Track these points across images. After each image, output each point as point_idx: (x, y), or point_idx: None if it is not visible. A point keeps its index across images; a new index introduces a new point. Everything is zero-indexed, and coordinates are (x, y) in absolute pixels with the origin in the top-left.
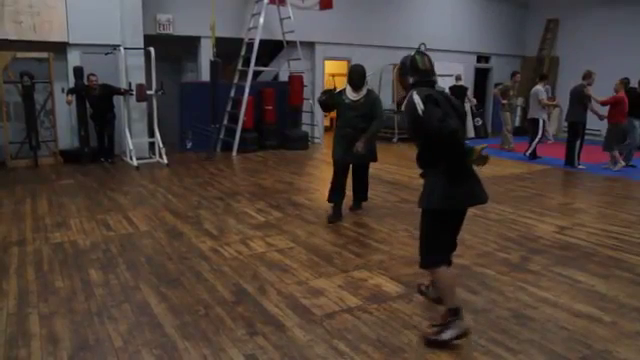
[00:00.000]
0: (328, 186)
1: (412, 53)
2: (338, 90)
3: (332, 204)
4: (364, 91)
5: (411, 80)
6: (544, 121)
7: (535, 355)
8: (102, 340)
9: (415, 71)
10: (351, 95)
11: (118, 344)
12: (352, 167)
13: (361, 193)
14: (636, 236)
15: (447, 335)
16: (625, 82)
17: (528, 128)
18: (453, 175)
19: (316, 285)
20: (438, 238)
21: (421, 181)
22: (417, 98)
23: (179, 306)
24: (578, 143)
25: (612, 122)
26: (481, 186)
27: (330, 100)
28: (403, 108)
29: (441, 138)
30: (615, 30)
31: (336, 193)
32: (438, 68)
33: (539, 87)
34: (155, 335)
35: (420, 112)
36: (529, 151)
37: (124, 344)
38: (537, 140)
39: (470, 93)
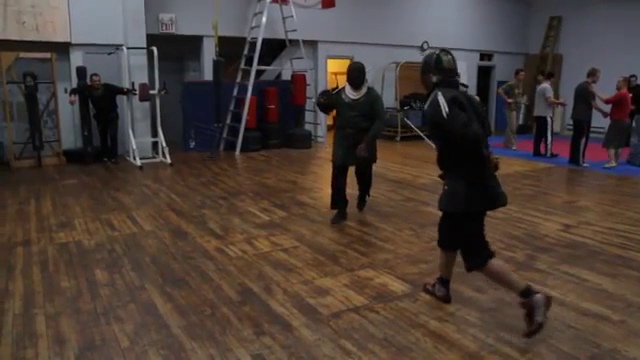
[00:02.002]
0: (330, 185)
1: (436, 51)
2: (337, 89)
3: (336, 210)
4: (364, 89)
5: (434, 79)
6: (551, 119)
7: (543, 354)
8: (108, 340)
9: (439, 70)
10: (351, 94)
11: (125, 344)
12: (355, 169)
13: (364, 192)
14: None
15: (539, 317)
16: (632, 79)
17: (533, 126)
18: (474, 178)
19: (322, 284)
20: (475, 237)
21: (424, 180)
22: (442, 100)
23: (185, 306)
24: (583, 141)
25: (614, 119)
26: (500, 189)
27: (329, 101)
28: (426, 107)
29: (464, 142)
30: (618, 27)
31: (338, 200)
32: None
33: (546, 85)
34: (161, 335)
35: (444, 115)
36: (548, 153)
37: (131, 344)
38: (551, 139)
39: (471, 91)
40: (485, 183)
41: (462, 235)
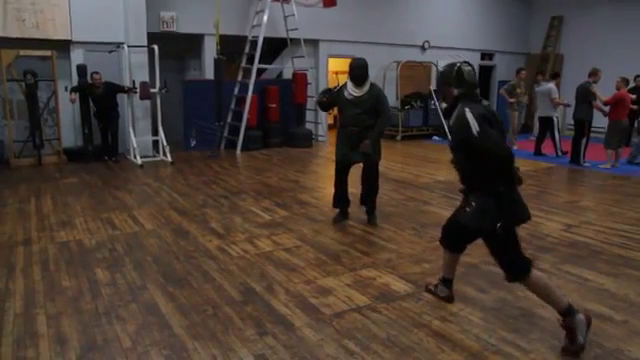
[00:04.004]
0: (333, 184)
1: (457, 62)
2: (338, 87)
3: (338, 209)
4: (367, 86)
5: (456, 92)
6: (557, 119)
7: (547, 354)
8: (110, 340)
9: (461, 83)
10: (353, 91)
11: (126, 344)
12: (362, 169)
13: (370, 201)
14: None
15: (581, 338)
16: (638, 80)
17: (532, 125)
18: (503, 195)
19: (324, 284)
20: (511, 250)
21: (425, 180)
22: (471, 117)
23: (187, 306)
24: (584, 141)
25: (613, 119)
26: (524, 202)
27: (331, 99)
28: (452, 123)
29: (497, 160)
30: (620, 27)
31: (340, 200)
32: (442, 66)
33: (552, 86)
34: (164, 335)
35: (475, 133)
36: (559, 152)
37: (132, 344)
38: (559, 137)
39: None
40: (514, 198)
41: (503, 246)
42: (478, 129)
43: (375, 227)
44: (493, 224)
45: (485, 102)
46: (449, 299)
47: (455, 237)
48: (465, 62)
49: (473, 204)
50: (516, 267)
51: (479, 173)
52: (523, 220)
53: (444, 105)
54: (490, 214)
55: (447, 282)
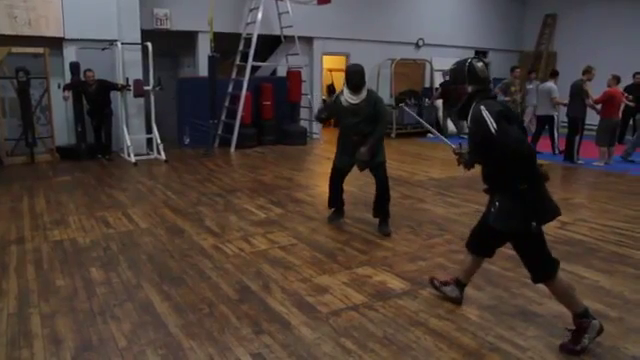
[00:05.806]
0: (328, 182)
1: (468, 59)
2: (335, 96)
3: (333, 208)
4: (364, 93)
5: (470, 89)
6: (557, 117)
7: (543, 352)
8: (106, 340)
9: (474, 80)
10: (350, 98)
11: (122, 344)
12: (375, 192)
13: (383, 210)
14: (639, 232)
15: (586, 340)
16: (637, 77)
17: (531, 124)
18: (530, 194)
19: (320, 282)
20: (539, 250)
21: (420, 178)
22: (487, 114)
23: (183, 305)
24: (577, 138)
25: (604, 117)
26: (552, 199)
27: (330, 113)
28: (469, 123)
29: (519, 158)
30: (612, 25)
31: (336, 200)
32: (436, 63)
33: (552, 85)
34: (159, 334)
35: (493, 131)
36: (556, 150)
37: (128, 344)
38: (557, 136)
39: None
40: (541, 196)
41: (532, 247)
42: (496, 127)
43: (370, 225)
44: (519, 224)
45: (501, 99)
46: (457, 300)
47: (483, 240)
48: (476, 57)
49: (497, 204)
50: (542, 268)
51: (501, 172)
52: (551, 218)
53: (437, 100)
54: (515, 214)
55: (461, 285)
